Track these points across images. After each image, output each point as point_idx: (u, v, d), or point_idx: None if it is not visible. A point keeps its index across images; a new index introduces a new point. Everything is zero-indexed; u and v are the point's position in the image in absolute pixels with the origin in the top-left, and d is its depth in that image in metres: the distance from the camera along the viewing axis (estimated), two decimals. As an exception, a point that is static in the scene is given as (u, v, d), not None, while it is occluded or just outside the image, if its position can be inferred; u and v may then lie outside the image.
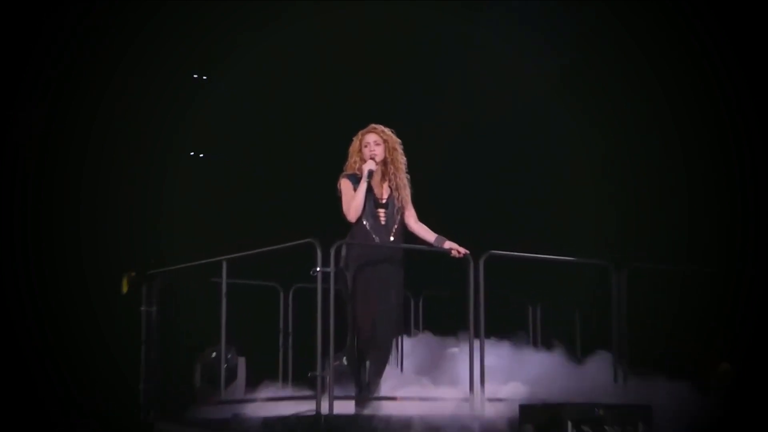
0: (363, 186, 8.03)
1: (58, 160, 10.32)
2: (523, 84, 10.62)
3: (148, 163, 10.78)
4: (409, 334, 9.67)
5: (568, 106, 10.56)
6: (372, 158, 8.07)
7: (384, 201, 8.16)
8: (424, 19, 10.72)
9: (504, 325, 8.91)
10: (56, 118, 10.30)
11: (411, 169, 8.18)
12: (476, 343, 8.02)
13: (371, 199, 8.10)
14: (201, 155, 11.31)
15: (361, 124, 8.15)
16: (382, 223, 8.11)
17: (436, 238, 8.17)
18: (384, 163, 8.14)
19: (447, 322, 9.30)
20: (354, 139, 8.20)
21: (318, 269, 7.61)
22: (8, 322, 9.92)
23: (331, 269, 7.63)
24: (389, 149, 8.14)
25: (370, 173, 8.03)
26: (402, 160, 8.20)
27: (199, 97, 10.83)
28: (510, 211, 11.17)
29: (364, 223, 8.07)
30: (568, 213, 10.81)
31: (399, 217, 8.16)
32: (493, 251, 8.11)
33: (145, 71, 10.72)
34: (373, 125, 8.18)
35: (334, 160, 8.26)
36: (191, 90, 10.89)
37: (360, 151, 8.15)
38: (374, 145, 8.11)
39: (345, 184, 8.10)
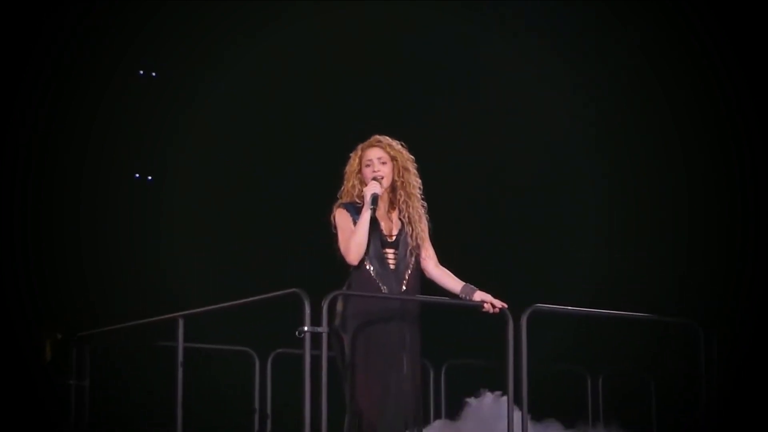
0: (366, 216, 6.16)
1: (58, 160, 10.31)
2: (526, 87, 10.60)
3: (147, 163, 10.81)
4: (427, 416, 7.92)
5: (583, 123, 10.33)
6: (376, 179, 6.26)
7: (393, 239, 6.28)
8: (424, 19, 10.72)
9: (555, 402, 7.60)
10: (56, 118, 10.29)
11: (427, 193, 6.40)
12: (517, 426, 6.34)
13: (377, 237, 6.23)
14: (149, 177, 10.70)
15: (361, 124, 6.86)
16: (391, 267, 6.22)
17: (464, 288, 6.30)
18: (392, 188, 6.33)
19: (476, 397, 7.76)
20: (351, 155, 6.40)
21: (305, 329, 5.86)
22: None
23: (323, 329, 5.92)
24: (399, 169, 6.32)
25: (375, 198, 6.17)
26: (416, 183, 6.36)
27: (199, 97, 10.83)
28: (560, 253, 9.97)
29: (368, 267, 6.19)
30: (637, 257, 9.76)
31: (413, 259, 6.27)
32: (539, 305, 6.53)
33: (145, 71, 10.74)
34: (377, 137, 6.37)
35: (333, 170, 6.65)
36: (191, 90, 10.89)
37: (360, 171, 6.33)
38: (379, 164, 6.29)
39: (342, 216, 6.26)
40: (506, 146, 10.90)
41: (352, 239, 6.15)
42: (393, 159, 6.33)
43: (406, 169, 6.34)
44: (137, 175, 10.66)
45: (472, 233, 10.58)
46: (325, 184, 6.97)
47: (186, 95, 10.79)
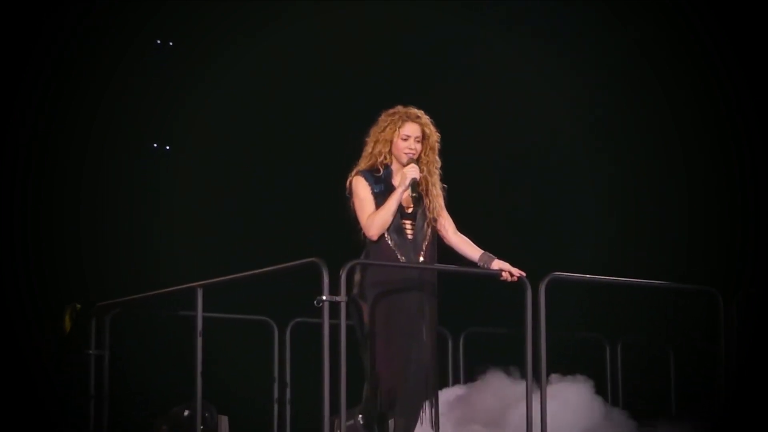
0: (398, 197, 6.19)
1: (58, 160, 10.30)
2: (526, 87, 10.59)
3: (147, 162, 10.81)
4: (446, 384, 7.94)
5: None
6: (412, 159, 6.28)
7: (411, 210, 6.30)
8: (424, 19, 10.72)
9: (572, 369, 7.54)
10: (56, 118, 10.28)
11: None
12: (535, 395, 6.35)
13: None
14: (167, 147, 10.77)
15: (361, 124, 6.75)
16: (409, 238, 6.24)
17: (482, 256, 6.33)
18: (415, 161, 6.34)
19: (496, 366, 7.75)
20: (385, 118, 6.36)
21: (324, 298, 5.85)
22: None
23: (342, 298, 5.92)
24: (427, 147, 6.35)
25: (415, 184, 6.23)
26: (438, 161, 6.42)
27: (199, 97, 10.83)
28: (577, 221, 9.96)
29: (386, 238, 6.21)
30: (656, 225, 9.79)
31: (430, 230, 6.31)
32: (557, 273, 6.53)
33: (145, 71, 10.74)
34: (416, 112, 6.36)
35: (335, 162, 6.79)
36: (191, 89, 10.89)
37: (392, 141, 6.31)
38: (415, 142, 6.30)
39: (360, 185, 6.28)
40: (505, 145, 10.90)
41: (379, 216, 6.19)
42: (426, 138, 6.34)
43: (432, 148, 6.36)
44: (155, 144, 10.66)
45: (491, 201, 10.58)
46: (325, 184, 7.11)
47: (186, 95, 10.79)
